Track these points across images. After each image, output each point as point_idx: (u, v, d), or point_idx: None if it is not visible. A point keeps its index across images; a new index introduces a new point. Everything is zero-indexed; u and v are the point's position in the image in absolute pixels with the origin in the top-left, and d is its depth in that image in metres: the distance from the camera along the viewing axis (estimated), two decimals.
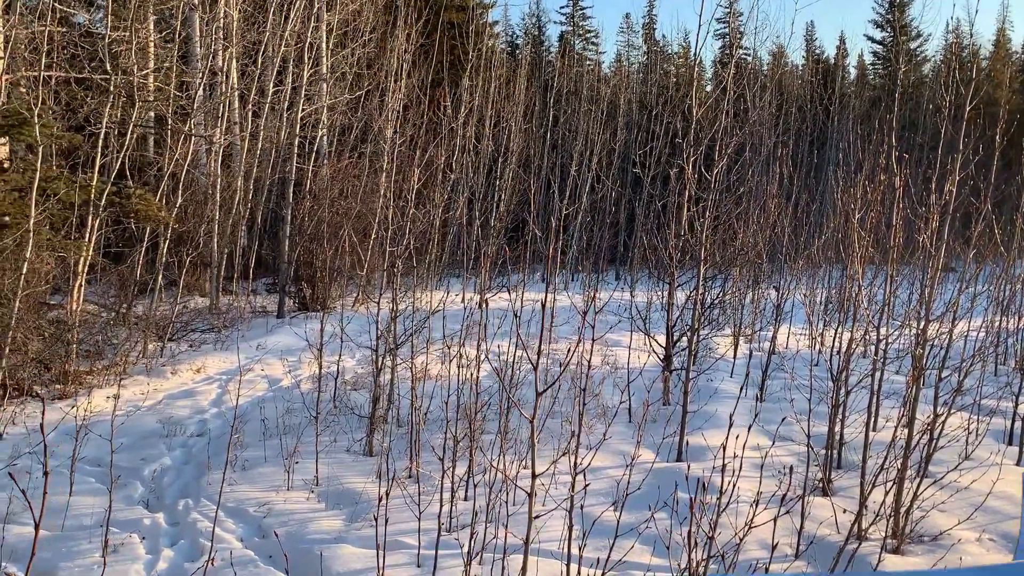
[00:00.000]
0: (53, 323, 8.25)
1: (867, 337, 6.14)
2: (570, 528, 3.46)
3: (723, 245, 8.76)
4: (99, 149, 9.38)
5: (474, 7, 23.84)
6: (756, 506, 3.47)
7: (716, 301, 8.40)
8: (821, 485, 5.43)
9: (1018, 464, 6.13)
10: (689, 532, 3.23)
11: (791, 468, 4.37)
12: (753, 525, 3.39)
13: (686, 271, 8.02)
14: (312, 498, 5.26)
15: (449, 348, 6.55)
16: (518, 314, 3.80)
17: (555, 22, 41.80)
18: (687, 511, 3.40)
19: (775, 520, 3.86)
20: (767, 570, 3.96)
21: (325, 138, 17.09)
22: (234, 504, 5.11)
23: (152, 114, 12.84)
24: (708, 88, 31.94)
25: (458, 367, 5.51)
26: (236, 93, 14.63)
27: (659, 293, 8.58)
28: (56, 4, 8.93)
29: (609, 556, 3.43)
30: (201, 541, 4.56)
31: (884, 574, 4.00)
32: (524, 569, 3.47)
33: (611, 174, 23.49)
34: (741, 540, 3.42)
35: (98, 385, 7.86)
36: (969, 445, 6.00)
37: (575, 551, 3.60)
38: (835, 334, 6.44)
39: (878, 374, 5.95)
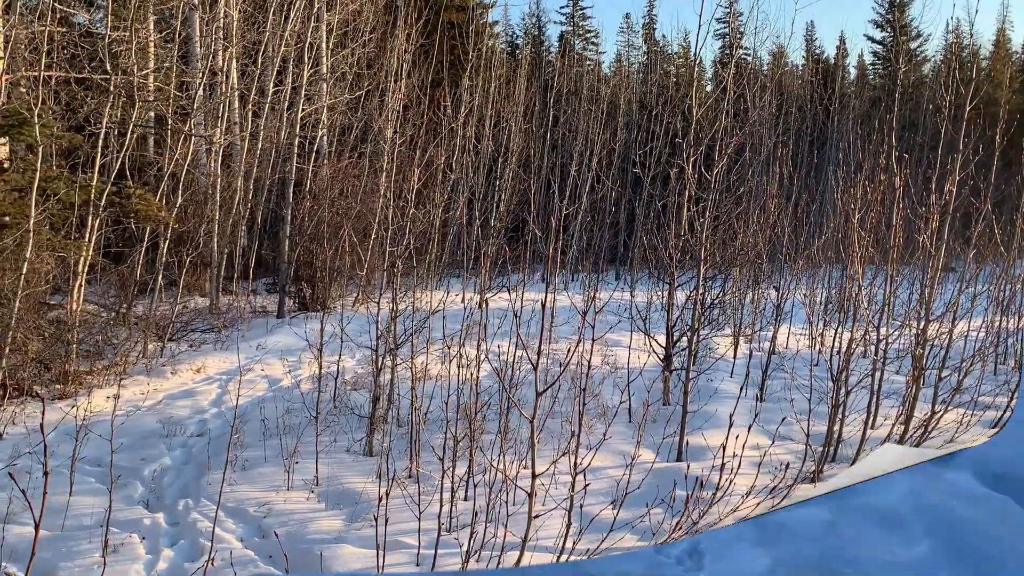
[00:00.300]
0: (53, 323, 8.25)
1: (867, 337, 6.15)
2: (568, 526, 3.47)
3: (723, 245, 8.75)
4: (99, 149, 9.38)
5: (474, 7, 23.83)
6: (747, 496, 3.49)
7: (716, 301, 8.39)
8: (812, 476, 5.44)
9: None
10: (679, 522, 3.25)
11: (787, 464, 4.38)
12: (738, 509, 3.41)
13: (686, 271, 8.02)
14: (312, 498, 5.26)
15: (449, 348, 6.55)
16: (518, 314, 3.81)
17: (555, 22, 41.65)
18: (683, 506, 3.42)
19: (758, 504, 3.88)
20: None
21: (325, 138, 17.09)
22: (234, 504, 5.11)
23: (152, 114, 12.83)
24: (708, 88, 31.90)
25: (458, 367, 5.51)
26: (236, 93, 14.62)
27: (659, 293, 8.58)
28: (56, 4, 8.93)
29: (600, 546, 3.44)
30: (201, 541, 4.56)
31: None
32: (519, 562, 3.48)
33: (611, 174, 23.47)
34: (720, 520, 3.45)
35: (98, 385, 7.86)
36: (958, 433, 5.99)
37: (570, 545, 3.61)
38: (835, 334, 6.44)
39: (878, 374, 5.96)
